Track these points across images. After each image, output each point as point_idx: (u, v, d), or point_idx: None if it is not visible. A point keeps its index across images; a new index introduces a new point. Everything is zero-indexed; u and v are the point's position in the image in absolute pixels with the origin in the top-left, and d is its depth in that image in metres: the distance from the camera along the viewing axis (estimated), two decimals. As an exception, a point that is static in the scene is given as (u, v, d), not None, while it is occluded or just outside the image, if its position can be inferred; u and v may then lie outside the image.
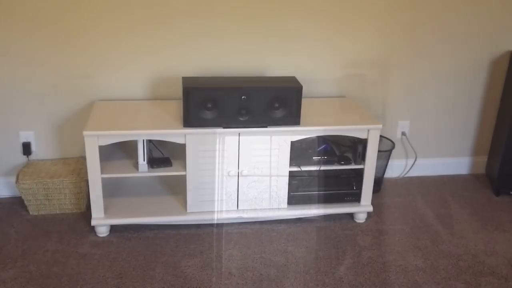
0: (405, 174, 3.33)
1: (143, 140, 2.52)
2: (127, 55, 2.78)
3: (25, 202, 2.74)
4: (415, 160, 3.30)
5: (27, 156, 2.91)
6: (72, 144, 2.92)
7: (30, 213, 2.78)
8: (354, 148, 2.71)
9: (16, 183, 2.69)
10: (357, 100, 3.09)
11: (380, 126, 2.63)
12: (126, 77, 2.83)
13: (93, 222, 2.57)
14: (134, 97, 2.88)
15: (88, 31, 2.70)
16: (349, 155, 2.77)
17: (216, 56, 2.86)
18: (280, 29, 2.85)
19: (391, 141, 3.15)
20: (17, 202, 2.86)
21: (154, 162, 2.61)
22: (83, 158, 2.92)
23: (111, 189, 2.81)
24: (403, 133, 3.23)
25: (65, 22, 2.66)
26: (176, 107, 2.76)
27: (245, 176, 2.61)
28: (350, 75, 3.03)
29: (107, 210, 2.63)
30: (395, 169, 3.31)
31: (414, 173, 3.33)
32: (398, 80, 3.09)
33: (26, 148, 2.87)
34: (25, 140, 2.87)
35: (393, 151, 3.14)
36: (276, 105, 2.52)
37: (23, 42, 2.67)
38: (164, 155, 2.72)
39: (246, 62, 2.89)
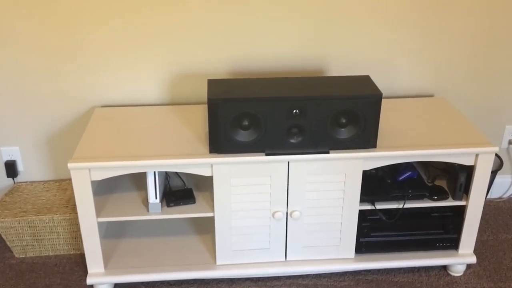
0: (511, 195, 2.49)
1: (154, 172, 1.80)
2: (136, 46, 2.03)
3: (7, 243, 2.10)
4: (527, 178, 2.45)
5: (13, 178, 2.25)
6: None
7: (16, 255, 2.13)
8: (453, 175, 1.89)
9: (-7, 219, 2.04)
10: (450, 99, 2.24)
11: (496, 149, 1.80)
12: (135, 75, 2.09)
13: (89, 281, 1.89)
14: (146, 101, 2.14)
15: (85, 15, 1.96)
16: (443, 183, 1.97)
17: (256, 47, 2.06)
18: (344, 8, 2.02)
19: (497, 155, 2.31)
20: (2, 239, 2.22)
21: (171, 197, 1.89)
22: (84, 180, 2.24)
23: (114, 230, 2.11)
24: (511, 142, 2.37)
25: (58, 3, 1.93)
26: (200, 117, 2.01)
27: (296, 219, 1.86)
28: (441, 65, 2.18)
29: (109, 262, 1.94)
30: (497, 187, 2.46)
31: (523, 193, 2.49)
32: (506, 73, 2.22)
33: (11, 169, 2.21)
34: (8, 158, 2.21)
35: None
36: (343, 120, 1.73)
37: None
38: (186, 184, 2.00)
39: (299, 55, 2.08)
